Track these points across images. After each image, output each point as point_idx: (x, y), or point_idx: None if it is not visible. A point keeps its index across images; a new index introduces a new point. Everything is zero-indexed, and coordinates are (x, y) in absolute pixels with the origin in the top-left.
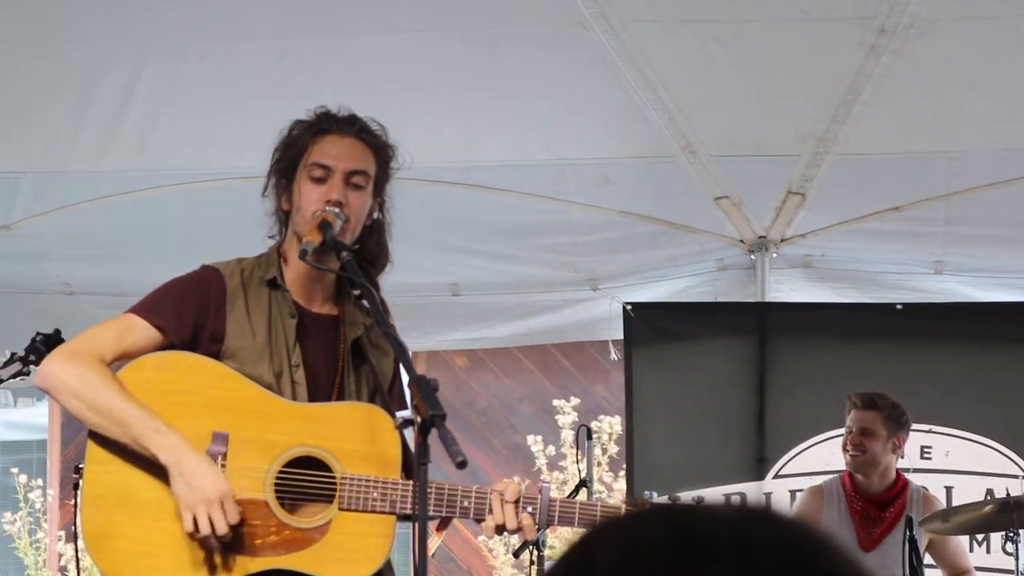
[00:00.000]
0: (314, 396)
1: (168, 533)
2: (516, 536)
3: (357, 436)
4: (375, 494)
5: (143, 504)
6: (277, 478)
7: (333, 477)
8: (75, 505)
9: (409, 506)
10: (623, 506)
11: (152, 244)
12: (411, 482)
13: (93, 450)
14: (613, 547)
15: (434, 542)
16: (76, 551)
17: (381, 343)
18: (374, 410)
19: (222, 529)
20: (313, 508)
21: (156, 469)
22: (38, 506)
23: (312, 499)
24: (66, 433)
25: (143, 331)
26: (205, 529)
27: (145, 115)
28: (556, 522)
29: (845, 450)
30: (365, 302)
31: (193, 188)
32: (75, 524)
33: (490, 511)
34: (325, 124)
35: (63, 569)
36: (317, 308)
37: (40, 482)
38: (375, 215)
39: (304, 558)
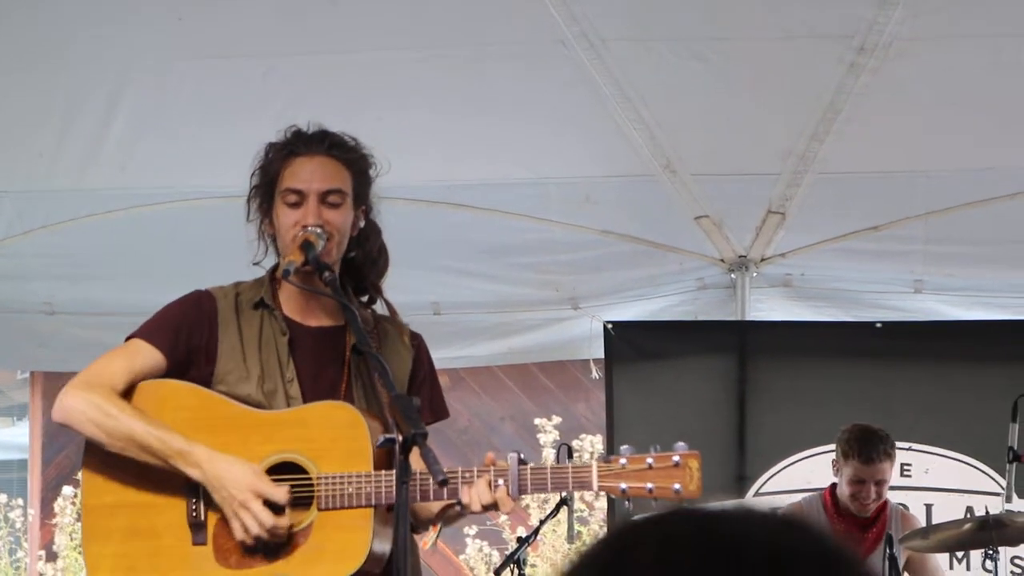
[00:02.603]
0: None
1: (160, 553)
2: (496, 553)
3: (327, 435)
4: (350, 490)
5: (133, 533)
6: None
7: (310, 479)
8: (56, 524)
9: (384, 497)
10: (594, 464)
11: (134, 263)
12: (383, 472)
13: (86, 485)
14: (647, 547)
15: (430, 537)
16: None
17: (399, 349)
18: (339, 406)
19: (267, 522)
20: (296, 512)
21: (144, 489)
22: (18, 525)
23: (297, 504)
24: (46, 453)
25: (148, 355)
26: (253, 530)
27: (127, 134)
28: (530, 489)
29: (855, 499)
30: (368, 307)
31: (175, 207)
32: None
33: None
34: (294, 146)
35: None
36: (316, 322)
37: (20, 501)
38: (361, 223)
39: (293, 562)
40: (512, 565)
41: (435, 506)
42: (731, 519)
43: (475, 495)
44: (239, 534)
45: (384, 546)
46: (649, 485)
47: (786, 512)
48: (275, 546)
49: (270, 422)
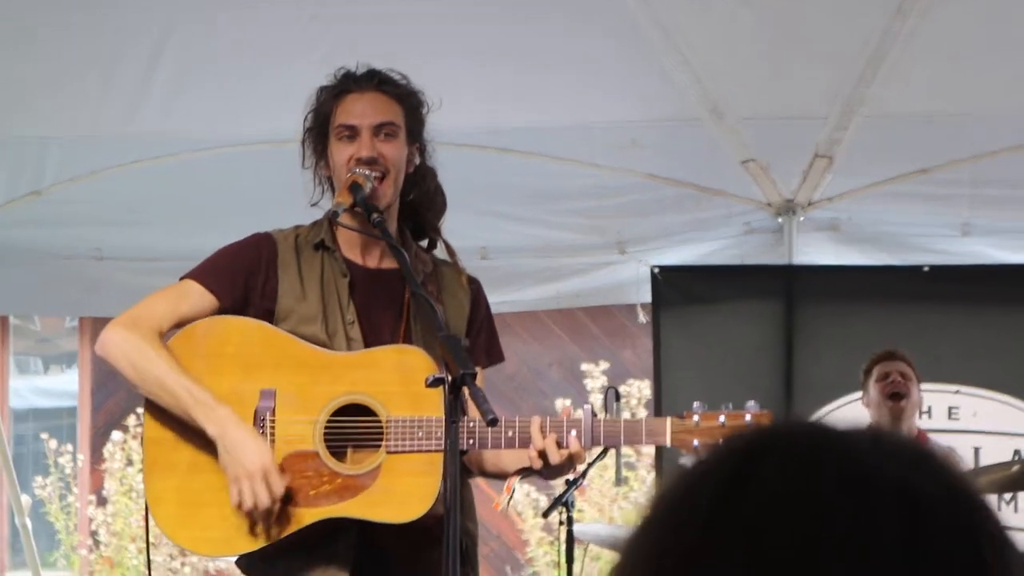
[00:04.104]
0: None
1: (224, 488)
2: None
3: (397, 378)
4: (420, 434)
5: (196, 467)
6: (326, 428)
7: (379, 421)
8: (105, 470)
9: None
10: (668, 420)
11: (182, 209)
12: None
13: (148, 419)
14: (781, 461)
15: (503, 499)
16: (147, 519)
17: (458, 292)
18: (408, 350)
19: (264, 502)
20: (363, 454)
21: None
22: (68, 471)
23: (361, 445)
24: (96, 399)
25: (198, 296)
26: (248, 503)
27: (174, 79)
28: (602, 441)
29: (884, 397)
30: (428, 251)
31: (222, 152)
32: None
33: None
34: (345, 84)
35: (93, 533)
36: (376, 264)
37: (70, 447)
38: (416, 161)
39: (358, 504)
40: (561, 507)
41: (507, 464)
42: (867, 447)
43: (549, 444)
44: (233, 500)
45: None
46: None
47: (923, 446)
48: (341, 487)
49: (339, 363)
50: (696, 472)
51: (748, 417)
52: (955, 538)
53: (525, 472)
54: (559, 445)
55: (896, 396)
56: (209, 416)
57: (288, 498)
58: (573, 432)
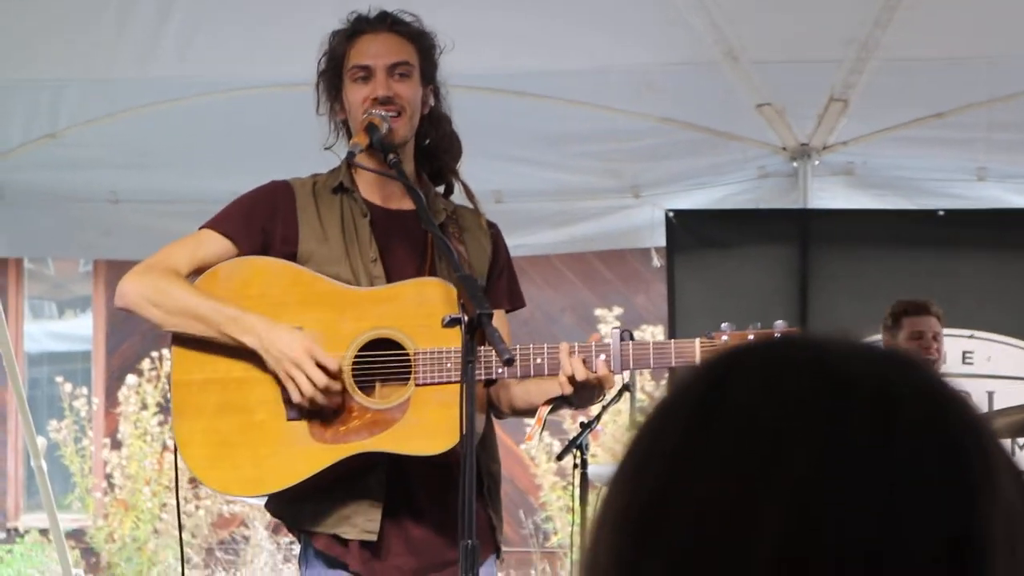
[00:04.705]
0: None
1: (253, 428)
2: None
3: (421, 311)
4: (448, 365)
5: (224, 407)
6: (353, 364)
7: (407, 354)
8: (120, 413)
9: (484, 371)
10: (696, 340)
11: (197, 152)
12: (482, 347)
13: (176, 361)
14: (753, 373)
15: (535, 431)
16: (176, 462)
17: (479, 236)
18: (428, 282)
19: (321, 380)
20: (391, 388)
21: (236, 365)
22: (83, 414)
23: (390, 379)
24: (110, 343)
25: (215, 242)
26: (307, 390)
27: (188, 23)
28: (632, 365)
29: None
30: (445, 196)
31: (237, 96)
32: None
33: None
34: (358, 26)
35: (108, 476)
36: (396, 205)
37: (85, 391)
38: (431, 103)
39: (388, 438)
40: (575, 450)
41: (536, 397)
42: (842, 351)
43: (578, 367)
44: (294, 396)
45: (479, 423)
46: None
47: (900, 350)
48: (371, 422)
49: (364, 299)
50: (665, 403)
51: (777, 336)
52: (932, 434)
53: (555, 403)
54: (588, 369)
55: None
56: (244, 328)
57: (316, 435)
58: (602, 356)
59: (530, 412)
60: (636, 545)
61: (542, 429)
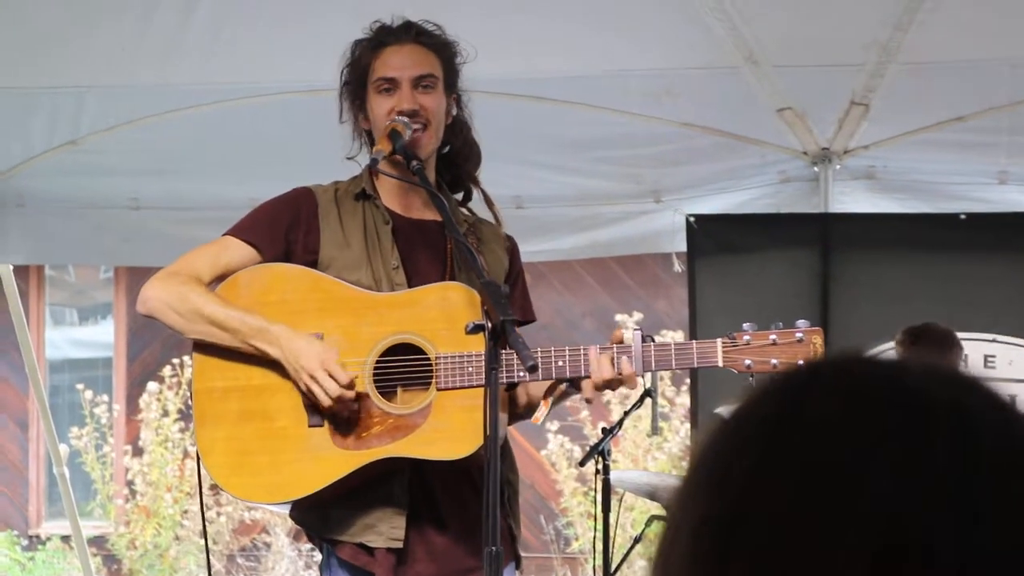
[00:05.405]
0: None
1: (274, 435)
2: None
3: (442, 315)
4: (470, 369)
5: (245, 415)
6: (375, 369)
7: (428, 359)
8: (141, 420)
9: (506, 376)
10: (718, 340)
11: (219, 158)
12: (502, 352)
13: (197, 369)
14: (832, 395)
15: (541, 412)
16: (199, 470)
17: (496, 248)
18: (450, 286)
19: (333, 389)
20: (412, 393)
21: (257, 373)
22: (104, 421)
23: (411, 384)
24: (131, 350)
25: (238, 249)
26: (323, 399)
27: (210, 28)
28: (654, 366)
29: None
30: (464, 204)
31: (258, 102)
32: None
33: (586, 366)
34: (383, 37)
35: (129, 483)
36: (418, 214)
37: (106, 398)
38: (453, 112)
39: (410, 443)
40: (596, 456)
41: (535, 392)
42: (917, 372)
43: (603, 365)
44: (321, 397)
45: (501, 428)
46: (774, 360)
47: (972, 373)
48: (393, 428)
49: (385, 303)
50: (740, 414)
51: (799, 335)
52: (1010, 452)
53: (560, 385)
54: (608, 369)
55: None
56: (268, 338)
57: (337, 441)
58: (624, 358)
59: (528, 412)
60: (718, 552)
61: (548, 412)
